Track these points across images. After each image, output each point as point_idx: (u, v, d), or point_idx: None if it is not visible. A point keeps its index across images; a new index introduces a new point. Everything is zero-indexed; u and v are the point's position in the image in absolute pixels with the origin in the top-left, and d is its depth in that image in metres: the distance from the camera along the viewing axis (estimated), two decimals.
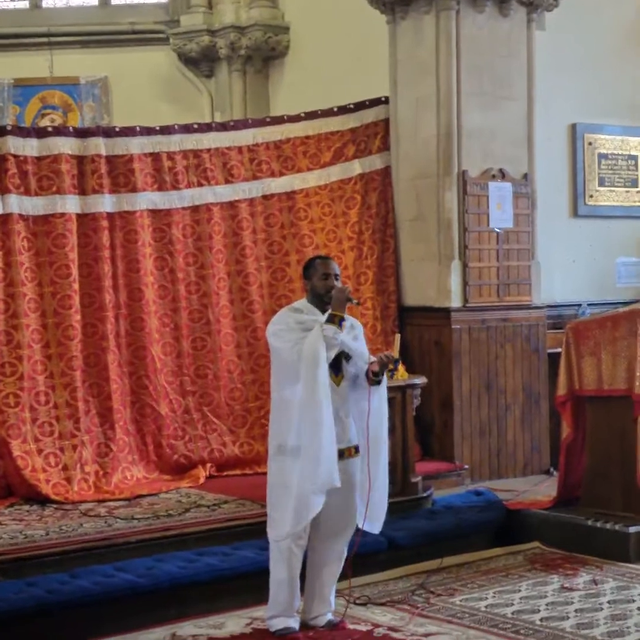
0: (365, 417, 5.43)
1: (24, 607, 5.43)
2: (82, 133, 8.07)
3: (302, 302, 5.57)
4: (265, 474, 5.59)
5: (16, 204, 7.62)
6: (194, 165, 8.29)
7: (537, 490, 7.91)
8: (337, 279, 5.51)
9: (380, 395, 5.50)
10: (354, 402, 5.50)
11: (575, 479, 7.27)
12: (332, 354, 5.32)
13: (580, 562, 6.68)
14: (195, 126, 8.45)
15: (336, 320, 5.33)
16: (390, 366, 5.47)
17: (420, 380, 7.65)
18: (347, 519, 5.50)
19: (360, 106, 8.85)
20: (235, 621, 5.69)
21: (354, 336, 5.52)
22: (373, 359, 5.47)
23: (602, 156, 9.59)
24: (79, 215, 7.85)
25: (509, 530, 7.23)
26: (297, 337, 5.31)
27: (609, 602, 5.92)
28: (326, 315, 5.39)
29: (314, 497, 5.26)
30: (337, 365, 5.40)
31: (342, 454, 5.36)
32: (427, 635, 5.48)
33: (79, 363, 7.70)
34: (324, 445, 5.21)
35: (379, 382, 5.45)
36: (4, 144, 7.63)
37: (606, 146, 9.62)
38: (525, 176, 8.62)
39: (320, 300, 5.47)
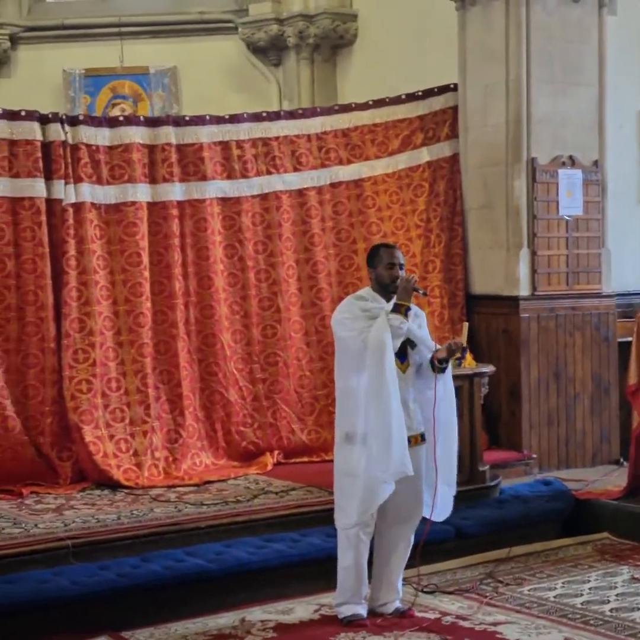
0: (432, 405, 5.43)
1: (96, 591, 5.53)
2: (153, 122, 8.15)
3: (367, 290, 5.57)
4: (332, 461, 5.63)
5: (88, 192, 7.72)
6: (262, 153, 8.32)
7: (606, 480, 7.85)
8: (402, 268, 5.49)
9: (445, 383, 5.48)
10: (419, 390, 5.50)
11: None
12: (398, 343, 5.32)
13: None
14: (264, 114, 8.49)
15: (402, 310, 5.33)
16: (458, 354, 5.45)
17: (488, 368, 7.62)
18: (414, 507, 5.51)
19: (428, 93, 8.82)
20: (304, 607, 5.73)
21: (418, 325, 5.52)
22: (438, 347, 5.47)
23: None
24: (149, 204, 7.93)
25: (577, 520, 7.20)
26: (363, 325, 5.32)
27: None
28: (391, 303, 5.38)
29: (383, 485, 5.27)
30: (402, 353, 5.41)
31: (409, 442, 5.35)
32: (495, 624, 5.48)
33: (149, 350, 7.79)
34: (394, 433, 5.22)
35: (443, 370, 5.43)
36: (77, 133, 7.72)
37: None
38: (595, 163, 8.53)
39: (385, 289, 5.46)
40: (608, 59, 8.54)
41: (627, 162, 9.16)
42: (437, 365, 5.41)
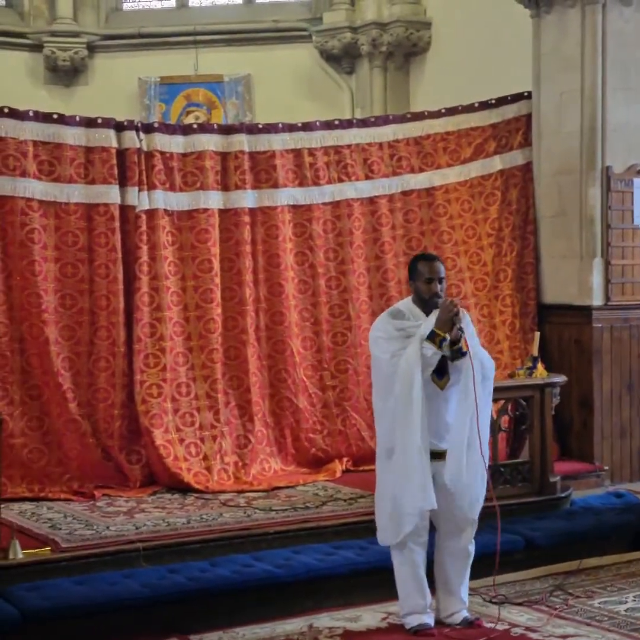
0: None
1: (166, 594, 5.58)
2: (226, 130, 8.22)
3: (406, 303, 5.51)
4: None
5: (162, 199, 7.79)
6: (334, 161, 8.34)
7: None
8: (441, 282, 5.40)
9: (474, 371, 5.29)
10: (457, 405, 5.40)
11: None
12: (428, 374, 5.26)
13: None
14: (337, 122, 8.51)
15: (437, 340, 5.23)
16: (458, 325, 5.23)
17: (560, 378, 7.54)
18: (463, 520, 5.48)
19: (501, 101, 8.78)
20: (371, 615, 5.72)
21: (469, 334, 5.38)
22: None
23: None
24: (221, 211, 7.99)
25: None
26: (396, 347, 5.27)
27: None
28: (429, 322, 5.30)
29: (407, 517, 5.29)
30: (442, 369, 5.33)
31: (444, 455, 5.34)
32: (565, 637, 5.42)
33: (219, 356, 7.84)
34: (416, 467, 5.21)
35: (460, 353, 5.27)
36: (151, 140, 7.81)
37: None
38: None
39: (425, 304, 5.40)
40: None
41: None
42: (453, 350, 5.27)
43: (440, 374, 5.34)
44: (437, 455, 5.35)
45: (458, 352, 5.30)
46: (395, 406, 5.26)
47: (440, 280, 5.41)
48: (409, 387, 5.21)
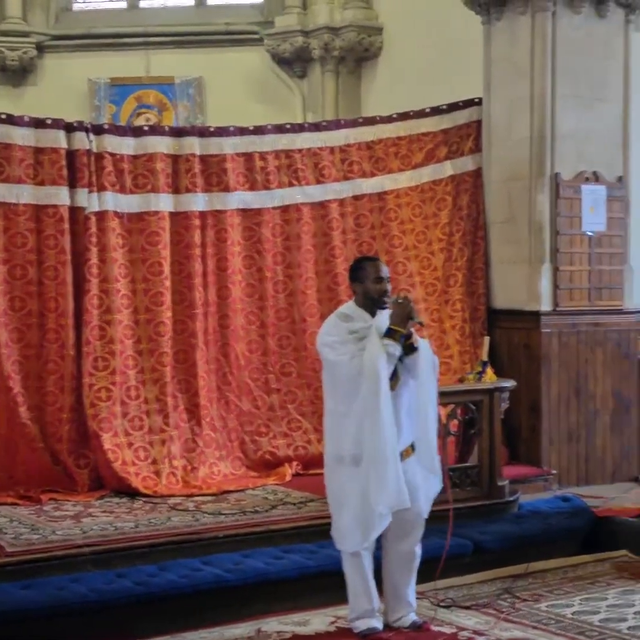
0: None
1: (113, 598, 5.53)
2: (178, 132, 8.18)
3: (351, 306, 5.49)
4: None
5: (112, 201, 7.75)
6: (285, 165, 8.34)
7: (626, 497, 7.80)
8: (388, 282, 5.44)
9: (423, 364, 5.35)
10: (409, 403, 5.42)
11: None
12: (391, 370, 5.27)
13: None
14: (288, 126, 8.52)
15: (396, 336, 5.25)
16: (415, 318, 5.28)
17: (509, 383, 7.59)
18: (414, 520, 5.47)
19: (453, 107, 8.82)
20: (320, 619, 5.72)
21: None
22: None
23: None
24: (171, 214, 7.96)
25: (596, 538, 7.15)
26: (353, 349, 5.25)
27: None
28: (379, 321, 5.32)
29: (380, 517, 5.27)
30: (393, 370, 5.33)
31: (401, 456, 5.33)
32: None
33: (169, 359, 7.81)
34: (390, 464, 5.18)
35: (413, 348, 5.30)
36: (102, 142, 7.76)
37: None
38: (619, 179, 8.51)
39: (374, 304, 5.40)
40: (634, 75, 8.53)
41: None
42: (405, 344, 5.30)
43: (392, 375, 5.33)
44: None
45: (411, 347, 5.32)
46: (363, 407, 5.22)
47: (388, 280, 5.45)
48: (376, 385, 5.18)
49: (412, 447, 5.43)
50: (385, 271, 5.45)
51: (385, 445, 5.19)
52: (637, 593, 6.20)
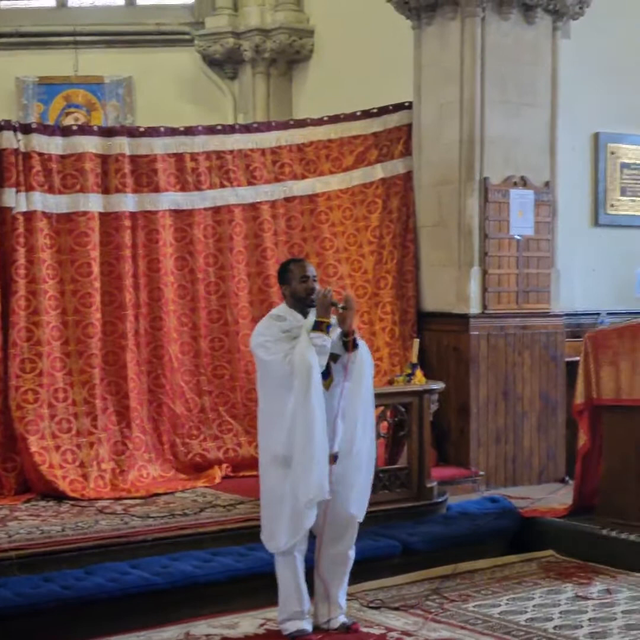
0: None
1: (40, 602, 5.46)
2: (107, 132, 8.12)
3: (283, 308, 5.53)
4: None
5: (40, 201, 7.66)
6: (216, 166, 8.32)
7: (552, 498, 7.90)
8: (315, 281, 5.49)
9: (360, 365, 5.40)
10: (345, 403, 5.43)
11: (590, 488, 7.27)
12: (324, 362, 5.29)
13: (594, 571, 6.68)
14: (219, 128, 8.49)
15: (323, 327, 5.29)
16: (342, 309, 5.32)
17: (438, 385, 7.65)
18: (346, 523, 5.50)
19: (383, 111, 8.87)
20: (249, 621, 5.71)
21: (338, 334, 5.45)
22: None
23: (624, 166, 9.57)
24: (101, 214, 7.89)
25: (523, 538, 7.23)
26: (286, 347, 5.28)
27: (622, 611, 5.91)
28: (310, 320, 5.35)
29: (306, 511, 5.28)
30: (326, 369, 5.36)
31: (335, 458, 5.35)
32: None
33: (97, 361, 7.74)
34: (317, 457, 5.21)
35: (355, 344, 5.34)
36: (29, 142, 7.67)
37: (629, 156, 9.60)
38: (547, 184, 8.62)
39: (302, 303, 5.44)
40: (561, 82, 8.64)
41: (579, 185, 9.27)
42: (344, 339, 5.33)
43: (324, 374, 5.35)
44: (330, 458, 5.33)
45: (353, 343, 5.34)
46: (295, 404, 5.23)
47: (314, 279, 5.48)
48: (307, 379, 5.20)
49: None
50: (311, 270, 5.51)
51: (314, 438, 5.21)
52: (563, 593, 6.28)
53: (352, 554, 5.57)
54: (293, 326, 5.37)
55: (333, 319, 5.40)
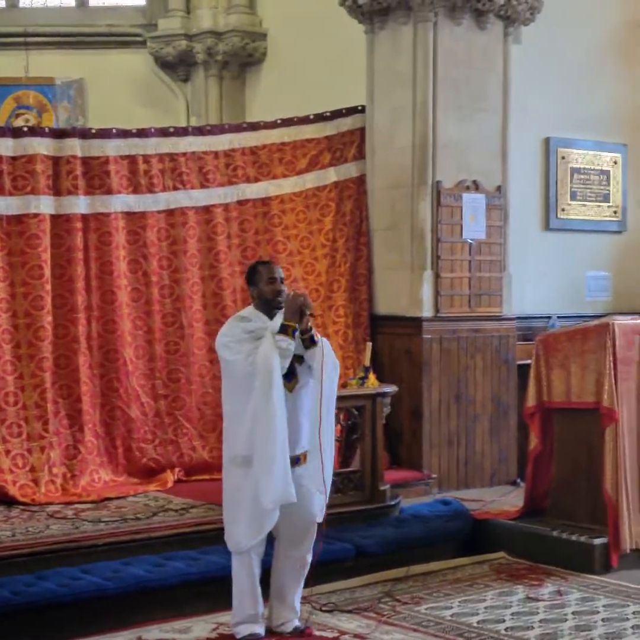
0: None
1: None
2: (58, 134, 8.06)
3: (249, 310, 5.53)
4: None
5: None
6: (169, 168, 8.29)
7: (504, 500, 7.95)
8: (282, 283, 5.50)
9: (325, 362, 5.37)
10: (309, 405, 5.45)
11: (542, 490, 7.33)
12: (286, 364, 5.29)
13: (545, 572, 6.73)
14: (172, 130, 8.46)
15: (289, 331, 5.29)
16: (309, 313, 5.32)
17: (391, 389, 7.67)
18: (307, 526, 5.50)
19: (336, 114, 8.89)
20: (202, 626, 5.68)
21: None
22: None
23: (574, 170, 9.67)
24: (52, 216, 7.83)
25: (475, 540, 7.27)
26: (249, 348, 5.28)
27: (573, 613, 5.97)
28: (275, 321, 5.35)
29: (268, 512, 5.28)
30: (290, 371, 5.35)
31: (298, 460, 5.37)
32: None
33: (49, 364, 7.67)
34: (278, 459, 5.20)
35: (312, 340, 5.34)
36: None
37: (579, 161, 9.70)
38: (498, 188, 8.68)
39: (268, 306, 5.44)
40: (512, 87, 8.71)
41: (531, 189, 9.35)
42: (302, 337, 5.33)
43: (289, 376, 5.35)
44: (292, 461, 5.33)
45: (310, 340, 5.34)
46: (256, 405, 5.22)
47: (281, 281, 5.49)
48: (269, 381, 5.19)
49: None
50: (279, 272, 5.52)
51: (274, 440, 5.20)
52: (514, 594, 6.32)
53: (309, 557, 5.57)
54: (257, 327, 5.36)
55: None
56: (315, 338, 5.37)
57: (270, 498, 5.22)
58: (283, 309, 5.37)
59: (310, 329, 5.37)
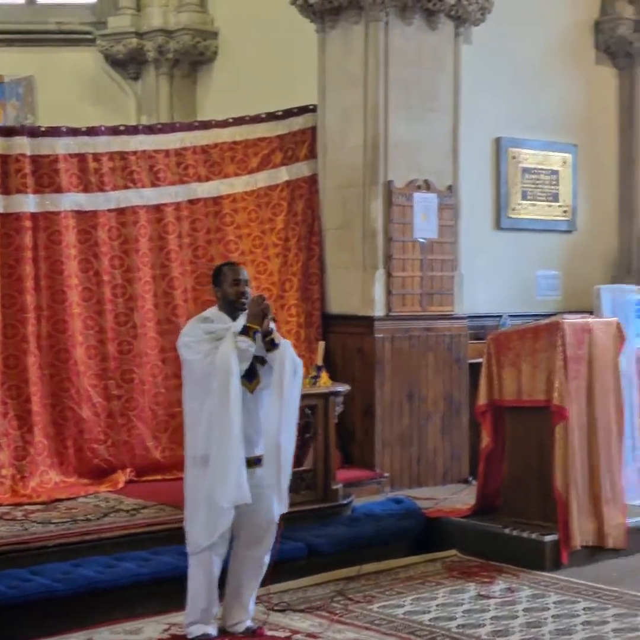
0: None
1: None
2: (7, 132, 7.97)
3: (212, 311, 5.55)
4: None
5: None
6: (120, 167, 8.22)
7: (456, 498, 7.98)
8: (247, 285, 5.51)
9: (288, 368, 5.39)
10: (269, 406, 5.45)
11: (493, 488, 7.37)
12: (245, 366, 5.29)
13: (496, 570, 6.77)
14: (122, 128, 8.40)
15: (250, 333, 5.30)
16: (271, 316, 5.36)
17: (343, 388, 7.69)
18: (266, 527, 5.50)
19: (288, 113, 8.87)
20: (153, 627, 5.66)
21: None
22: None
23: (525, 170, 9.73)
24: (1, 215, 7.75)
25: (427, 538, 7.30)
26: (208, 348, 5.29)
27: (524, 609, 6.01)
28: (238, 322, 5.37)
29: (223, 511, 5.27)
30: (251, 371, 5.37)
31: (258, 461, 5.38)
32: None
33: None
34: (233, 460, 5.20)
35: (273, 344, 5.35)
36: None
37: (529, 160, 9.77)
38: (449, 188, 8.71)
39: (232, 307, 5.46)
40: (463, 87, 8.74)
41: (482, 189, 9.40)
42: (265, 340, 5.34)
43: (250, 377, 5.35)
44: (252, 462, 5.34)
45: (271, 343, 5.34)
46: (213, 404, 5.23)
47: (246, 283, 5.50)
48: (226, 380, 5.20)
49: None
50: (243, 274, 5.54)
51: (230, 440, 5.19)
52: (466, 592, 6.35)
53: (267, 559, 5.58)
54: (219, 328, 5.37)
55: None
56: (276, 341, 5.37)
57: (225, 497, 5.22)
58: (247, 311, 5.38)
59: (271, 332, 5.37)
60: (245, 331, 5.30)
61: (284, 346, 5.42)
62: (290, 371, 5.41)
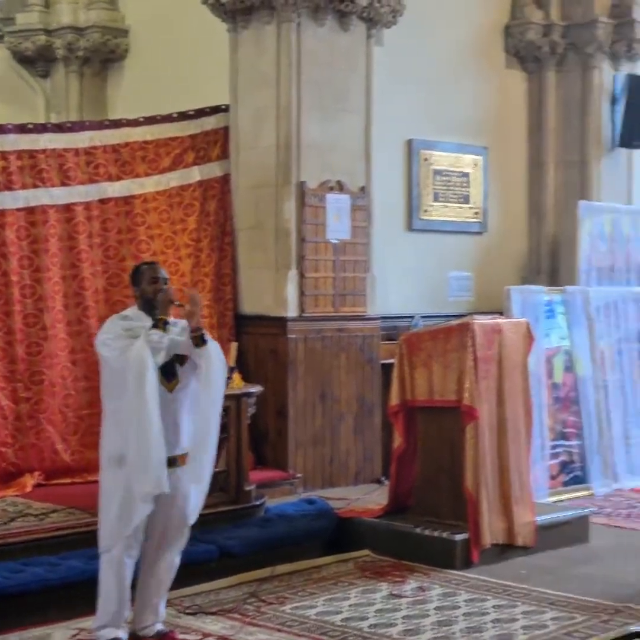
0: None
1: None
2: None
3: (132, 310, 5.53)
4: (95, 482, 5.52)
5: None
6: (28, 166, 8.09)
7: (368, 499, 8.01)
8: (165, 284, 5.49)
9: (211, 365, 5.37)
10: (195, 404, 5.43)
11: (406, 488, 7.41)
12: (160, 359, 5.26)
13: (408, 569, 6.80)
14: (31, 126, 8.27)
15: (160, 324, 5.31)
16: (177, 304, 5.38)
17: (256, 388, 7.67)
18: (180, 528, 5.47)
19: (200, 113, 8.82)
20: (62, 632, 5.59)
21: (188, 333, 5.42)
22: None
23: (436, 172, 9.82)
24: None
25: (340, 539, 7.31)
26: (125, 344, 5.27)
27: (435, 608, 6.05)
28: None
29: (140, 504, 5.22)
30: (170, 371, 5.34)
31: (175, 462, 5.33)
32: None
33: None
34: (152, 451, 5.16)
35: (203, 339, 5.31)
36: None
37: (441, 162, 9.86)
38: (362, 189, 8.75)
39: (151, 306, 5.43)
40: (375, 88, 8.79)
41: (394, 190, 9.46)
42: (193, 336, 5.31)
43: (169, 376, 5.32)
44: (171, 462, 5.28)
45: (201, 339, 5.31)
46: (129, 400, 5.18)
47: (164, 281, 5.48)
48: (141, 375, 5.16)
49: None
50: (162, 273, 5.52)
51: (149, 432, 5.14)
52: (378, 591, 6.38)
53: (177, 561, 5.54)
54: (137, 326, 5.34)
55: (183, 322, 5.37)
56: (206, 337, 5.35)
57: (143, 488, 5.16)
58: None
59: (201, 328, 5.35)
60: (155, 323, 5.29)
61: (213, 344, 5.41)
62: (218, 370, 5.40)
